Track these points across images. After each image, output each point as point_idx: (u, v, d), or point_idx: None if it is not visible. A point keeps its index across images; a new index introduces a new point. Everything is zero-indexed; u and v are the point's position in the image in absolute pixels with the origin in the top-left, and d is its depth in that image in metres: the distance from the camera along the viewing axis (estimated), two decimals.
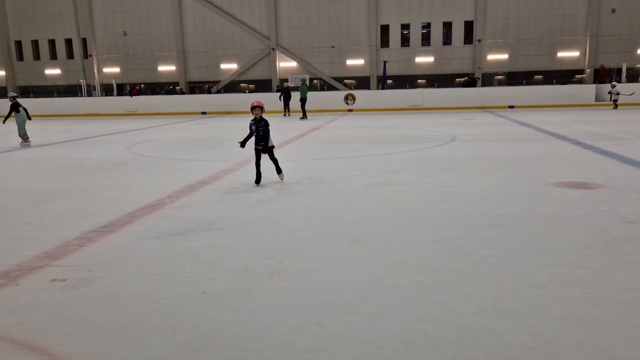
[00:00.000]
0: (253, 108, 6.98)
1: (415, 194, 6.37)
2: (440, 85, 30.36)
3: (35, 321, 3.07)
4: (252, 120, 7.07)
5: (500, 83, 32.90)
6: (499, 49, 32.84)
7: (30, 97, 33.67)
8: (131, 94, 30.72)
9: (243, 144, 7.08)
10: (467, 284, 3.48)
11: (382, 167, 8.51)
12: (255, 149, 7.13)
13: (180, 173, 8.39)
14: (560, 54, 32.49)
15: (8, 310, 3.24)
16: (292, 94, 23.38)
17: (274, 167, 7.29)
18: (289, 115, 22.67)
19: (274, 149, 7.24)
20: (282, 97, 22.95)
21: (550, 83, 29.91)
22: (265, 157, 7.20)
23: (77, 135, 16.25)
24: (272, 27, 34.15)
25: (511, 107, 24.73)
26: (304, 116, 21.88)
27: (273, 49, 34.36)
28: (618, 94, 22.07)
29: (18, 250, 4.47)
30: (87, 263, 4.08)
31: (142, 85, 35.68)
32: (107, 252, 4.36)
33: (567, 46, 32.29)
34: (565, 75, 31.79)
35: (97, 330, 2.94)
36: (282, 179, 7.31)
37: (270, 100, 24.92)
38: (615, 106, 22.15)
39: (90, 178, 8.18)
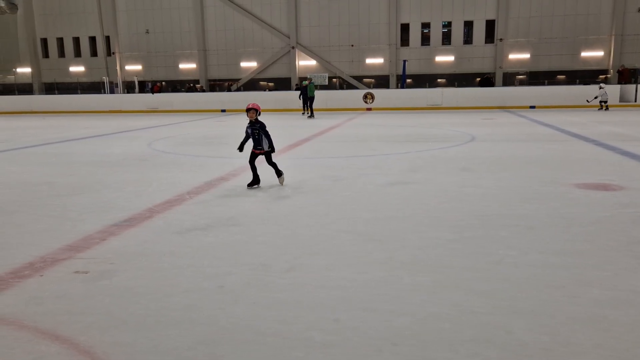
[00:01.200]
0: (247, 110, 6.61)
1: (433, 193, 6.35)
2: (460, 85, 30.07)
3: (59, 311, 3.15)
4: (248, 124, 6.73)
5: (522, 83, 32.48)
6: (520, 48, 32.42)
7: (54, 93, 34.33)
8: (152, 90, 31.10)
9: (241, 147, 6.76)
10: (484, 284, 3.47)
11: (400, 166, 8.50)
12: (252, 152, 6.79)
13: (200, 169, 8.49)
14: (584, 54, 31.94)
15: (33, 300, 3.33)
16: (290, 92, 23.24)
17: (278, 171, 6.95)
18: (308, 113, 22.70)
19: (272, 154, 6.86)
20: (301, 96, 22.95)
21: (573, 83, 29.42)
22: (261, 160, 6.84)
23: (100, 131, 16.52)
24: (292, 26, 34.23)
25: (532, 107, 24.42)
26: (311, 115, 21.88)
27: (293, 48, 34.43)
28: (603, 96, 21.79)
29: (42, 242, 4.59)
30: (108, 256, 4.17)
31: (163, 83, 36.06)
32: (128, 246, 4.44)
33: (591, 46, 31.73)
34: (589, 76, 31.23)
35: (118, 321, 3.01)
36: (282, 182, 6.91)
37: (289, 98, 25.05)
38: (606, 108, 21.91)
39: (112, 173, 8.33)
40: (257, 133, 6.67)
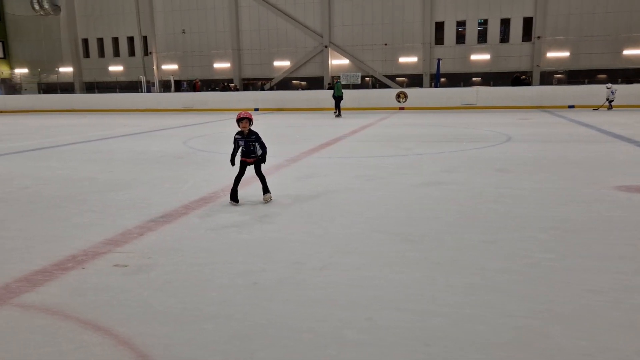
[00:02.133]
0: (240, 120, 5.75)
1: (469, 194, 6.26)
2: (496, 84, 29.52)
3: (100, 303, 3.26)
4: (237, 134, 5.88)
5: (560, 82, 31.67)
6: (559, 46, 31.60)
7: (94, 92, 35.34)
8: (194, 88, 31.57)
9: (233, 161, 5.94)
10: (520, 287, 3.41)
11: (434, 166, 8.41)
12: (242, 161, 5.96)
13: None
14: (627, 52, 30.90)
15: (75, 291, 3.45)
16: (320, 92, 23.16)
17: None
18: (338, 114, 22.64)
19: (262, 164, 6.07)
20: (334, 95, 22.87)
21: (615, 82, 28.53)
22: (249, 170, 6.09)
23: (137, 130, 16.92)
24: (326, 25, 34.27)
25: (571, 107, 23.78)
26: (339, 114, 21.80)
27: (326, 47, 34.47)
28: (612, 94, 22.10)
29: (84, 236, 4.74)
30: (146, 250, 4.28)
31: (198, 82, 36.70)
32: (165, 241, 4.55)
33: (635, 43, 30.68)
34: (632, 74, 30.21)
35: (156, 314, 3.09)
36: (268, 200, 5.99)
37: (320, 97, 25.05)
38: (610, 107, 22.16)
39: (149, 170, 8.53)
40: (253, 144, 5.87)
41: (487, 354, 2.58)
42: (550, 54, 31.90)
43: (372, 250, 4.23)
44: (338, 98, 21.94)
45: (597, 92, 23.98)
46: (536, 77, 31.91)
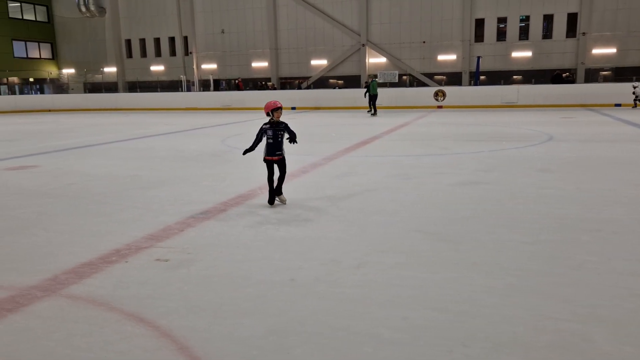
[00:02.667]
0: (275, 110, 5.58)
1: (508, 194, 6.14)
2: (537, 82, 28.74)
3: (143, 296, 3.36)
4: (266, 124, 5.66)
5: (606, 79, 30.56)
6: (605, 42, 30.49)
7: (137, 91, 36.30)
8: (238, 87, 31.85)
9: (248, 151, 5.75)
10: (561, 289, 3.33)
11: (473, 165, 8.28)
12: (268, 161, 5.71)
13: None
14: None
15: (119, 284, 3.57)
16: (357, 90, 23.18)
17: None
18: (372, 111, 22.52)
19: (294, 143, 5.94)
20: (367, 94, 22.78)
21: None
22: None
23: (178, 128, 17.29)
24: (363, 23, 34.11)
25: (618, 105, 22.93)
26: (374, 112, 21.72)
27: (363, 45, 34.33)
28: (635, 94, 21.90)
29: (128, 231, 4.90)
30: (186, 246, 4.39)
31: (236, 81, 37.21)
32: (204, 237, 4.65)
33: None
34: None
35: (196, 308, 3.17)
36: (283, 201, 5.83)
37: (357, 96, 24.96)
38: (635, 105, 21.83)
39: (189, 168, 8.71)
40: (281, 134, 5.69)
41: (526, 356, 2.54)
42: (596, 51, 30.81)
43: (409, 249, 4.21)
44: (373, 96, 21.88)
45: None
46: (580, 74, 30.87)
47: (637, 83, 22.25)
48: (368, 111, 22.82)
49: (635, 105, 22.00)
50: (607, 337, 2.70)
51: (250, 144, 5.76)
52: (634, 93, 21.93)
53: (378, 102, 22.81)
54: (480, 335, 2.75)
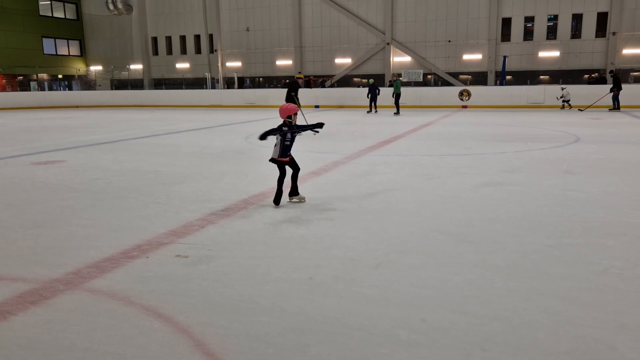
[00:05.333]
0: (293, 115, 5.69)
1: (532, 196, 6.04)
2: (565, 82, 28.18)
3: (162, 291, 3.40)
4: (285, 127, 5.63)
5: (637, 80, 29.79)
6: (636, 42, 29.71)
7: (162, 88, 36.77)
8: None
9: (264, 137, 5.61)
10: (584, 294, 3.26)
11: (497, 166, 8.16)
12: (282, 162, 5.74)
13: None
14: None
15: (140, 279, 3.62)
16: (381, 89, 23.61)
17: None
18: (375, 111, 22.64)
19: (321, 128, 6.00)
20: (369, 95, 22.84)
21: None
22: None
23: (201, 125, 17.46)
24: (388, 21, 33.92)
25: None
26: (397, 111, 21.74)
27: (388, 44, 34.14)
28: (562, 97, 22.94)
29: (149, 226, 4.96)
30: (206, 242, 4.42)
31: (261, 79, 37.39)
32: (224, 234, 4.68)
33: None
34: None
35: (215, 305, 3.19)
36: (302, 199, 5.91)
37: (381, 95, 24.81)
38: (566, 106, 22.86)
39: (212, 164, 8.79)
40: (296, 135, 5.77)
41: None
42: (627, 51, 30.06)
43: (429, 250, 4.17)
44: (397, 95, 21.93)
45: None
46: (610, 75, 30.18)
47: (565, 85, 23.34)
48: (368, 111, 22.92)
49: (563, 107, 23.00)
50: (631, 345, 2.63)
51: (267, 130, 5.64)
52: (562, 96, 22.90)
53: (379, 102, 22.97)
54: (499, 340, 2.71)
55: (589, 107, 22.20)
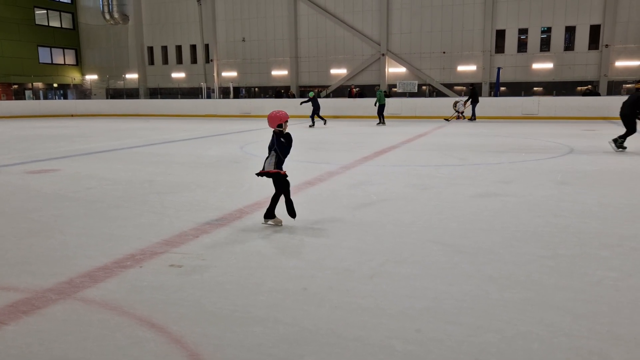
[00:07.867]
0: (287, 121, 5.23)
1: (527, 207, 6.05)
2: (559, 94, 28.37)
3: (155, 301, 3.38)
4: (282, 139, 5.23)
5: (629, 92, 30.06)
6: (630, 54, 30.02)
7: (158, 97, 36.78)
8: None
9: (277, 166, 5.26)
10: (579, 305, 3.26)
11: (491, 176, 8.19)
12: (284, 175, 5.28)
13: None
14: None
15: (133, 288, 3.59)
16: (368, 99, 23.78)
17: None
18: (381, 122, 22.45)
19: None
20: (304, 103, 22.10)
21: None
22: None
23: (197, 134, 17.45)
24: (383, 33, 34.14)
25: None
26: (382, 122, 21.90)
27: (383, 55, 34.34)
28: (458, 109, 24.23)
29: (143, 236, 4.93)
30: (200, 252, 4.40)
31: (256, 89, 37.47)
32: (219, 244, 4.66)
33: None
34: None
35: (208, 315, 3.17)
36: (279, 224, 5.28)
37: (370, 104, 24.92)
38: (459, 117, 24.00)
39: (207, 174, 8.77)
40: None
41: None
42: (619, 63, 30.36)
43: (424, 260, 4.17)
44: (382, 107, 22.04)
45: None
46: (603, 86, 30.43)
47: (460, 98, 25.19)
48: (378, 123, 22.95)
49: (458, 117, 24.10)
50: (626, 357, 2.63)
51: (279, 156, 5.24)
52: (456, 110, 24.07)
53: (370, 113, 23.07)
54: (494, 351, 2.70)
55: (452, 118, 24.30)
